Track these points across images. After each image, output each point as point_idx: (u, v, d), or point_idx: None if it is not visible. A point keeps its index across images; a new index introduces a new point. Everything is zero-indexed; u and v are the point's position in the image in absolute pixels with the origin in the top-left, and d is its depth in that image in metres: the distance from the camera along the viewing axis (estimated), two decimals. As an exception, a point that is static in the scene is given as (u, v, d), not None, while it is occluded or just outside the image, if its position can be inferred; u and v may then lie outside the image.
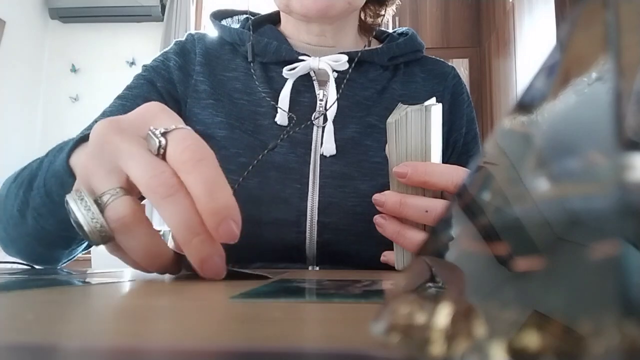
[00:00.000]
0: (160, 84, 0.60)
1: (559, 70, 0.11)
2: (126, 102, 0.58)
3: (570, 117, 0.10)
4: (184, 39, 0.66)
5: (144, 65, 0.64)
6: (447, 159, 0.64)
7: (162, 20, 3.30)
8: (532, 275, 0.10)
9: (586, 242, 0.08)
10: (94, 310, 0.20)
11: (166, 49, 0.65)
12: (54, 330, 0.15)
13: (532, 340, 0.09)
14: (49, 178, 0.43)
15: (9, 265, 0.52)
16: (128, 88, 0.61)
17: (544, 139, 0.11)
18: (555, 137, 0.10)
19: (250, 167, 0.55)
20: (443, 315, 0.11)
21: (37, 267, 0.53)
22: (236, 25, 0.66)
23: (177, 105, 0.61)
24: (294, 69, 0.59)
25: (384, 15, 0.69)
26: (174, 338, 0.13)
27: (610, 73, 0.09)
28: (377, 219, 0.44)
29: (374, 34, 0.69)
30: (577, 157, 0.09)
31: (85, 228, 0.27)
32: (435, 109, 0.43)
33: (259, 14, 0.70)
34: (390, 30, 0.71)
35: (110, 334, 0.14)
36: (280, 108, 0.58)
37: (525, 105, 0.12)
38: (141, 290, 0.27)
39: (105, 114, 0.57)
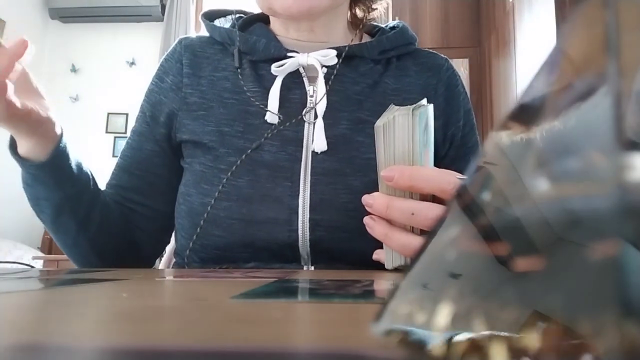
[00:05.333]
0: (149, 112, 0.64)
1: (559, 71, 0.11)
2: (131, 141, 0.66)
3: (570, 117, 0.10)
4: (172, 49, 0.67)
5: (146, 92, 0.66)
6: (444, 152, 0.63)
7: (162, 20, 3.30)
8: (532, 275, 0.10)
9: (586, 242, 0.08)
10: (94, 310, 0.20)
11: (161, 62, 0.66)
12: (54, 330, 0.15)
13: (532, 340, 0.09)
14: (25, 187, 0.57)
15: (9, 265, 0.52)
16: (136, 119, 0.67)
17: (544, 139, 0.11)
18: (555, 137, 0.10)
19: (234, 167, 0.55)
20: (443, 315, 0.11)
21: (36, 267, 0.54)
22: (228, 25, 0.66)
23: (166, 126, 0.63)
24: (282, 65, 0.59)
25: (376, 9, 0.69)
26: (175, 338, 0.13)
27: (610, 73, 0.09)
28: (366, 220, 0.45)
29: (361, 27, 0.68)
30: (577, 157, 0.09)
31: None
32: (424, 112, 0.43)
33: (252, 12, 0.70)
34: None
35: (110, 334, 0.14)
36: (269, 111, 0.58)
37: (525, 106, 0.12)
38: (141, 290, 0.27)
39: (124, 149, 0.66)
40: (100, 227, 0.59)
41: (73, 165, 0.56)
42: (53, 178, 0.54)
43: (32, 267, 0.53)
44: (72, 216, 0.57)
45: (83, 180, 0.57)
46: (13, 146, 0.54)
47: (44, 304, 0.21)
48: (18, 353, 0.12)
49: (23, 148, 0.53)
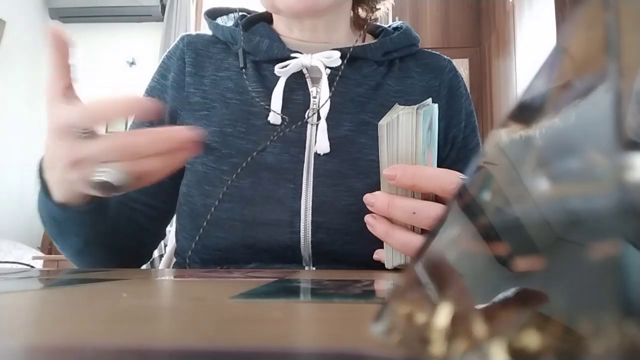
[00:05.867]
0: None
1: (559, 71, 0.11)
2: None
3: (570, 117, 0.10)
4: (174, 46, 0.66)
5: (146, 89, 0.65)
6: (446, 154, 0.63)
7: (162, 20, 3.30)
8: (532, 275, 0.10)
9: (586, 242, 0.08)
10: (94, 310, 0.20)
11: (163, 59, 0.65)
12: (54, 330, 0.15)
13: (532, 340, 0.09)
14: (50, 220, 0.51)
15: (8, 265, 0.52)
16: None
17: (544, 139, 0.11)
18: (555, 137, 0.10)
19: (239, 170, 0.55)
20: (443, 315, 0.11)
21: (36, 267, 0.54)
22: (230, 23, 0.66)
23: (170, 123, 0.62)
24: (285, 66, 0.58)
25: (379, 9, 0.69)
26: (175, 338, 0.13)
27: (610, 73, 0.09)
28: (367, 218, 0.44)
29: (365, 27, 0.68)
30: (577, 157, 0.09)
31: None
32: (428, 111, 0.43)
33: (255, 11, 0.69)
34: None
35: (110, 334, 0.14)
36: (273, 111, 0.57)
37: (526, 106, 0.12)
38: (141, 290, 0.27)
39: None
40: (123, 244, 0.58)
41: (105, 200, 0.51)
42: (91, 218, 0.50)
43: (32, 267, 0.52)
44: (100, 246, 0.54)
45: (113, 210, 0.54)
46: (45, 190, 0.47)
47: (44, 304, 0.21)
48: (18, 353, 0.12)
49: (63, 194, 0.47)
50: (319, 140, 0.56)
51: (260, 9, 0.69)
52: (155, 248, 0.69)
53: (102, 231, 0.53)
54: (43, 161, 0.46)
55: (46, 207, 0.49)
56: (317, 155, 0.57)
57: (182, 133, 0.40)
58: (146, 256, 0.66)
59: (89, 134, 0.40)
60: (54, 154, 0.42)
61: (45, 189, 0.47)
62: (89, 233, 0.52)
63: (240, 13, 0.68)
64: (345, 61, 0.60)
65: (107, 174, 0.39)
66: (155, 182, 0.43)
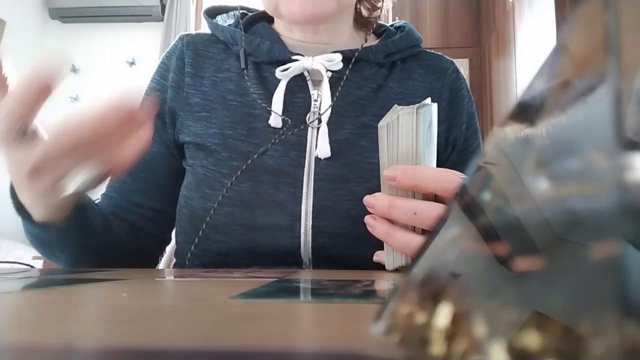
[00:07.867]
0: (154, 112, 0.61)
1: (559, 70, 0.11)
2: None
3: (570, 117, 0.10)
4: (173, 45, 0.65)
5: (146, 90, 0.64)
6: (447, 156, 0.63)
7: (162, 20, 3.30)
8: (532, 275, 0.10)
9: (586, 242, 0.08)
10: (94, 310, 0.20)
11: (162, 59, 0.65)
12: (54, 330, 0.15)
13: (532, 340, 0.09)
14: (34, 240, 0.51)
15: (8, 265, 0.52)
16: None
17: (544, 139, 0.11)
18: (555, 137, 0.10)
19: (239, 172, 0.55)
20: (443, 315, 0.11)
21: (36, 267, 0.54)
22: (230, 22, 0.65)
23: (172, 126, 0.62)
24: (287, 69, 0.58)
25: (380, 8, 0.68)
26: (175, 338, 0.13)
27: (610, 73, 0.09)
28: (368, 219, 0.44)
29: (371, 30, 0.67)
30: (577, 157, 0.09)
31: None
32: (428, 111, 0.43)
33: (254, 9, 0.69)
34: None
35: (110, 334, 0.14)
36: (274, 112, 0.57)
37: (525, 106, 0.12)
38: (141, 290, 0.27)
39: None
40: (118, 253, 0.57)
41: (90, 213, 0.50)
42: (75, 234, 0.49)
43: (32, 267, 0.52)
44: (90, 258, 0.54)
45: (99, 223, 0.53)
46: (24, 213, 0.46)
47: (44, 304, 0.21)
48: (18, 353, 0.12)
49: (42, 213, 0.46)
50: (320, 145, 0.56)
51: (260, 7, 0.68)
52: (161, 253, 0.68)
53: (89, 245, 0.52)
54: (13, 185, 0.44)
55: (29, 230, 0.48)
56: (317, 159, 0.56)
57: (128, 103, 0.36)
58: (152, 261, 0.66)
59: (29, 134, 0.38)
60: (12, 170, 0.40)
61: (22, 212, 0.46)
62: (75, 249, 0.51)
63: (241, 11, 0.67)
64: (350, 65, 0.59)
65: (80, 178, 0.39)
66: (128, 168, 0.42)
